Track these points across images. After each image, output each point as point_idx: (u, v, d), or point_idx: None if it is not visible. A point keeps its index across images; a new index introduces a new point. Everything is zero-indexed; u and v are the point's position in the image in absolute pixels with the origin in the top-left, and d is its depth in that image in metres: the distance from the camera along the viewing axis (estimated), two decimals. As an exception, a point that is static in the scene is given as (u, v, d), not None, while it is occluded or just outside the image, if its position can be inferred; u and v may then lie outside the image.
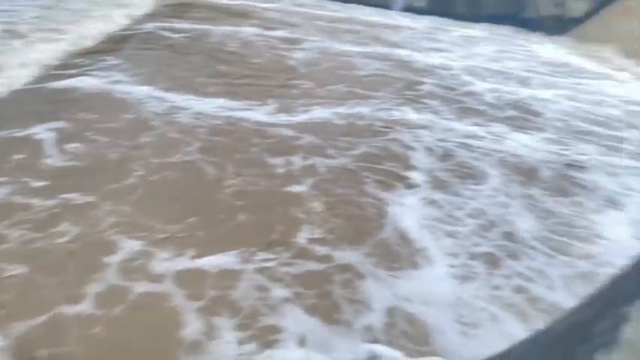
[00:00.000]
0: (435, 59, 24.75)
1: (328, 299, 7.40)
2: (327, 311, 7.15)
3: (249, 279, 7.58)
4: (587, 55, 32.78)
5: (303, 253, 8.31)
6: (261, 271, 7.80)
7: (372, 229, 9.26)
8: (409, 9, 42.55)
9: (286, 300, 7.24)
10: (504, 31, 38.91)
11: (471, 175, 12.25)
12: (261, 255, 8.10)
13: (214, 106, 14.99)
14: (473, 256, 8.79)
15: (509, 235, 9.60)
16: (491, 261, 8.77)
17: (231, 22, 27.26)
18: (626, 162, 14.72)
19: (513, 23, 41.17)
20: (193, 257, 7.97)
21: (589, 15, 40.77)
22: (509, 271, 8.49)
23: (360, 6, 40.83)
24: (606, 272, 8.54)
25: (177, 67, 18.66)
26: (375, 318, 7.12)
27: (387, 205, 10.10)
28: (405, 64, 22.94)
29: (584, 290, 7.98)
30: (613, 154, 15.08)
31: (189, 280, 7.48)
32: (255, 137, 12.71)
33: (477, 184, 11.74)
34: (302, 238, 8.70)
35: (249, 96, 16.17)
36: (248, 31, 25.79)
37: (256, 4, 34.67)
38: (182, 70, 18.58)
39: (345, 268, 8.08)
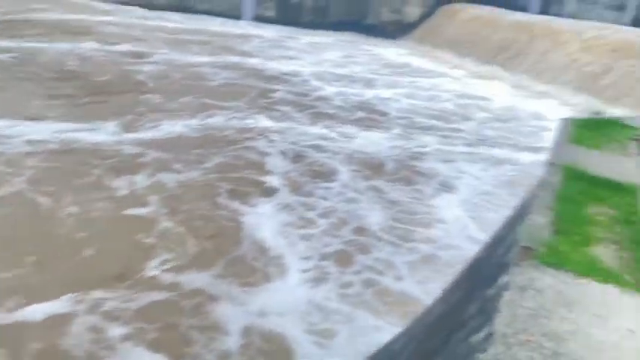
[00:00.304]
0: (286, 67, 25.23)
1: (175, 331, 6.77)
2: (173, 345, 6.54)
3: (82, 322, 6.74)
4: (424, 55, 35.85)
5: (148, 284, 7.61)
6: (96, 311, 6.98)
7: (227, 245, 8.88)
8: (258, 19, 43.16)
9: (126, 338, 6.51)
10: (349, 37, 41.12)
11: (322, 174, 12.64)
12: (98, 293, 7.26)
13: (51, 130, 13.67)
14: (325, 257, 8.86)
15: (358, 230, 9.85)
16: (343, 258, 8.89)
17: (68, 39, 25.30)
18: (461, 149, 16.31)
19: (357, 30, 43.81)
20: (15, 308, 6.87)
21: (423, 19, 44.73)
22: (359, 266, 8.67)
23: (208, 17, 40.59)
24: (448, 254, 9.28)
25: (5, 92, 16.84)
26: (230, 342, 6.67)
27: (243, 216, 9.83)
28: (256, 73, 23.09)
29: (429, 275, 8.54)
30: (450, 144, 16.64)
31: (7, 337, 6.41)
32: (95, 159, 11.76)
33: (328, 182, 12.12)
34: (149, 266, 8.01)
35: (91, 116, 15.03)
36: (87, 46, 24.13)
37: (93, 18, 32.65)
38: (12, 93, 16.81)
39: (195, 293, 7.51)
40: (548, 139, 17.70)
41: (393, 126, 17.69)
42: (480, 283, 4.11)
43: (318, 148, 14.67)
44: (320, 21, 43.93)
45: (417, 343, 4.54)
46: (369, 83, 24.18)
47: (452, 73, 30.05)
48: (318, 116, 17.83)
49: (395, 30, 44.66)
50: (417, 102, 21.55)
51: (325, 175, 12.79)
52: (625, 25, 38.60)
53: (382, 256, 9.08)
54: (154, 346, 6.52)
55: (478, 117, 20.51)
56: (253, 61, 25.55)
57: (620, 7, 41.87)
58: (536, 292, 2.61)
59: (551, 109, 22.81)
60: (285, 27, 41.13)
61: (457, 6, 44.06)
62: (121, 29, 29.99)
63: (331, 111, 18.67)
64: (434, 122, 18.89)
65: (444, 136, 17.36)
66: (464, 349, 2.72)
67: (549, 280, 2.75)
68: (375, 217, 10.55)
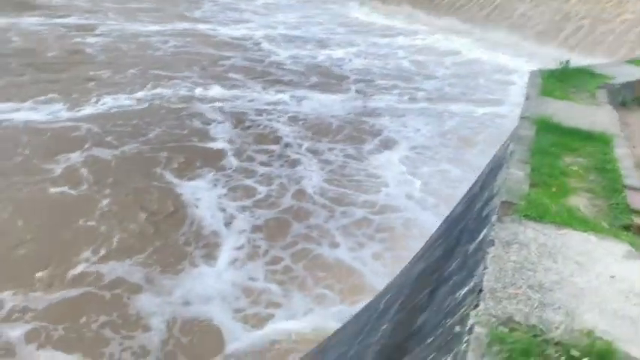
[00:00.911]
0: (239, 31, 24.56)
1: (89, 330, 6.15)
2: (86, 345, 5.96)
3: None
4: (386, 13, 35.23)
5: (66, 276, 6.97)
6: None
7: (159, 228, 8.38)
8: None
9: (29, 340, 5.91)
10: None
11: (267, 139, 12.49)
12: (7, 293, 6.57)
13: (-13, 111, 13.31)
14: (258, 229, 8.59)
15: (295, 195, 9.78)
16: (277, 230, 8.63)
17: (9, 14, 24.30)
18: (415, 106, 16.30)
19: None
20: None
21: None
22: (292, 236, 8.43)
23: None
24: (385, 217, 9.27)
25: None
26: (152, 337, 6.16)
27: (179, 191, 9.56)
28: (207, 39, 22.42)
29: (363, 240, 8.47)
30: (404, 102, 16.59)
31: None
32: (27, 139, 11.44)
33: (271, 146, 12.08)
34: (71, 257, 7.38)
35: (30, 95, 14.61)
36: (32, 21, 23.26)
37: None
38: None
39: (116, 284, 6.95)
40: (511, 92, 17.80)
41: (347, 87, 17.56)
42: (460, 239, 4.16)
43: (266, 113, 14.55)
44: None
45: (404, 298, 4.54)
46: (325, 44, 23.82)
47: (413, 29, 29.74)
48: (270, 82, 17.59)
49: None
50: (375, 61, 21.36)
51: (269, 139, 12.73)
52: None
53: (317, 222, 8.92)
54: (63, 347, 5.97)
55: (438, 73, 20.45)
56: (204, 27, 24.88)
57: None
58: (520, 246, 2.70)
59: (515, 61, 22.76)
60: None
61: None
62: (66, 1, 28.88)
63: (284, 76, 18.43)
64: (390, 81, 18.79)
65: (400, 94, 17.30)
66: (451, 304, 2.77)
67: (532, 233, 2.85)
68: (313, 180, 10.54)
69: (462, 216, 5.19)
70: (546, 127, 4.60)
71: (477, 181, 7.27)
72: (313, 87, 17.31)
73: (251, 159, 11.47)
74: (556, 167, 3.87)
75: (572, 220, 3.11)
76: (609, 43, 23.19)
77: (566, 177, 3.78)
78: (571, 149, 4.27)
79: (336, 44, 23.97)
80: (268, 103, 15.40)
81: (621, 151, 4.32)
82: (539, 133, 4.44)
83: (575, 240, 2.88)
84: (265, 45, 22.39)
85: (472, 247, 3.42)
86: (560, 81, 6.26)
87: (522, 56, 23.34)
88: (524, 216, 3.05)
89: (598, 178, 3.84)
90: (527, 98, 5.59)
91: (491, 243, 2.74)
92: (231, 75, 17.91)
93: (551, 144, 4.25)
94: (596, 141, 4.48)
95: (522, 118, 4.88)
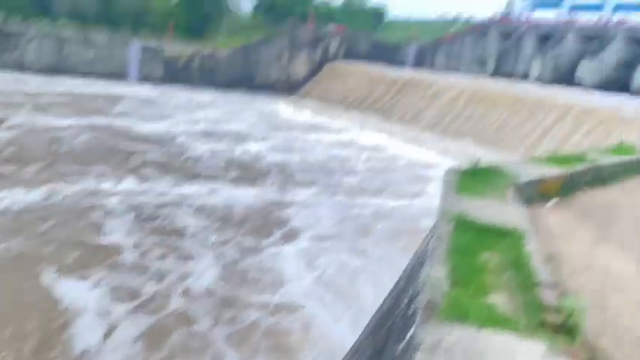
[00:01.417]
0: (158, 127, 24.44)
1: None
2: None
3: None
4: (309, 110, 36.73)
5: None
6: None
7: (28, 349, 7.10)
8: (145, 79, 42.17)
9: None
10: (237, 95, 41.38)
11: (170, 232, 12.03)
12: None
13: None
14: (138, 340, 7.68)
15: (184, 296, 9.08)
16: (157, 340, 7.75)
17: None
18: (321, 199, 16.27)
19: (247, 89, 44.26)
20: None
21: (308, 77, 46.28)
22: (171, 349, 7.57)
23: (90, 79, 38.89)
24: (280, 319, 8.57)
25: None
26: None
27: (62, 300, 8.41)
28: (125, 134, 22.00)
29: (253, 351, 7.70)
30: (315, 195, 16.59)
31: None
32: None
33: (173, 241, 11.53)
34: None
35: None
36: None
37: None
38: None
39: None
40: (425, 185, 18.47)
41: (264, 181, 17.48)
42: (389, 338, 4.20)
43: (175, 206, 14.02)
44: (209, 81, 43.84)
45: None
46: (246, 139, 24.06)
47: (336, 125, 30.94)
48: (184, 176, 17.32)
49: (283, 88, 45.74)
50: (296, 156, 21.63)
51: (171, 233, 12.14)
52: (487, 75, 42.58)
53: (201, 329, 8.24)
54: None
55: (357, 167, 20.93)
56: (123, 123, 24.53)
57: (482, 62, 46.19)
58: (445, 352, 2.71)
59: (431, 156, 23.90)
60: (171, 86, 40.40)
61: (341, 63, 46.26)
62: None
63: (200, 169, 18.21)
64: (309, 175, 18.94)
65: (316, 188, 17.39)
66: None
67: (455, 336, 2.87)
68: (205, 277, 9.89)
69: (390, 313, 5.19)
70: (463, 224, 4.79)
71: (401, 277, 7.16)
72: (229, 180, 17.13)
73: (147, 254, 10.75)
74: (474, 265, 3.99)
75: (493, 320, 3.19)
76: (514, 142, 25.08)
77: (484, 274, 3.89)
78: (487, 246, 4.42)
79: (257, 139, 24.24)
80: (179, 197, 14.96)
81: (532, 247, 4.51)
82: (457, 231, 4.61)
83: (497, 341, 2.95)
84: (184, 140, 22.25)
85: (400, 347, 3.44)
86: (473, 179, 6.69)
87: (439, 152, 24.57)
88: (447, 317, 3.11)
89: (513, 274, 3.95)
90: (444, 196, 5.93)
91: (417, 348, 2.75)
92: (145, 169, 17.38)
93: (468, 241, 4.41)
94: (509, 237, 4.67)
95: (440, 215, 5.07)
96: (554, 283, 3.94)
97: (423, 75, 38.75)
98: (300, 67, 46.63)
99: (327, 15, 55.80)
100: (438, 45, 49.89)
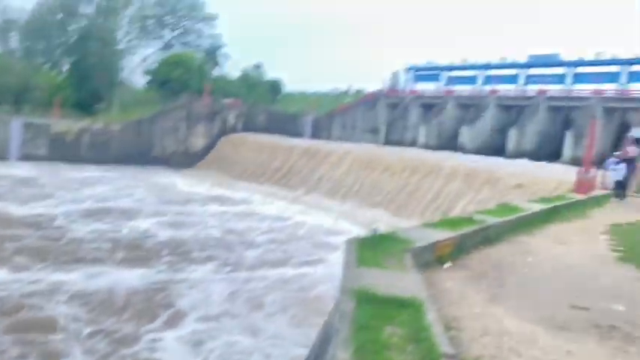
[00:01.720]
0: (36, 209, 22.56)
1: None
2: None
3: None
4: (207, 182, 36.13)
5: None
6: None
7: None
8: (28, 158, 39.36)
9: None
10: (131, 170, 39.74)
11: (35, 326, 10.84)
12: None
13: None
14: None
15: None
16: None
17: None
18: (217, 275, 15.65)
19: (143, 163, 42.77)
20: None
21: (206, 149, 45.93)
22: None
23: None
24: None
25: None
26: None
27: None
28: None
29: None
30: (211, 272, 15.90)
31: None
32: None
33: (35, 336, 10.37)
34: None
35: None
36: None
37: None
38: None
39: None
40: (328, 253, 18.46)
41: (154, 260, 16.49)
42: None
43: (48, 295, 12.71)
44: (101, 157, 41.89)
45: None
46: (136, 216, 22.92)
47: (233, 196, 30.56)
48: (63, 261, 15.87)
49: (181, 161, 44.87)
50: (190, 231, 20.83)
51: (37, 327, 10.99)
52: (379, 144, 45.06)
53: None
54: None
55: (258, 239, 20.49)
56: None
57: (375, 131, 48.98)
58: None
59: (330, 223, 24.15)
60: (58, 164, 37.97)
61: (238, 135, 46.61)
62: None
63: (81, 253, 16.88)
64: (205, 251, 18.21)
65: (213, 264, 16.72)
66: None
67: None
68: None
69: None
70: (365, 298, 4.77)
71: (309, 355, 6.89)
72: (113, 263, 16.01)
73: (3, 354, 9.45)
74: (378, 342, 3.94)
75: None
76: (411, 205, 26.26)
77: (388, 350, 3.86)
78: (389, 319, 4.42)
79: (149, 215, 23.11)
80: (53, 284, 13.59)
81: (432, 317, 4.55)
82: (359, 306, 4.57)
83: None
84: (66, 221, 20.60)
85: None
86: (372, 248, 6.79)
87: (340, 218, 24.96)
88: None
89: (416, 348, 3.95)
90: (345, 269, 6.02)
91: None
92: (18, 257, 15.67)
93: (370, 316, 4.38)
94: (409, 308, 4.70)
95: (342, 291, 5.04)
96: (455, 354, 3.98)
97: (320, 144, 40.05)
98: (197, 139, 46.27)
99: (224, 88, 56.64)
100: (332, 116, 52.25)
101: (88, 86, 51.90)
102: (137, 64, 60.15)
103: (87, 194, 27.05)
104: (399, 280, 5.46)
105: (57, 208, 22.83)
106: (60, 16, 55.65)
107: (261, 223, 23.39)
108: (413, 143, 44.36)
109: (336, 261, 17.07)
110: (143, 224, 21.27)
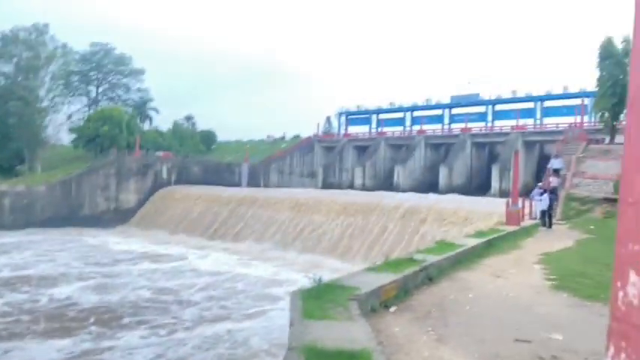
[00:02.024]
0: None
1: None
2: None
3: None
4: (138, 238, 34.79)
5: None
6: None
7: None
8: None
9: None
10: (59, 232, 37.62)
11: None
12: None
13: None
14: None
15: None
16: None
17: None
18: (150, 340, 14.79)
19: (72, 223, 40.59)
20: None
21: (139, 205, 44.42)
22: None
23: None
24: None
25: None
26: None
27: None
28: None
29: None
30: (143, 337, 15.03)
31: None
32: None
33: None
34: None
35: None
36: None
37: None
38: None
39: None
40: (270, 305, 17.97)
41: (76, 331, 15.37)
42: None
43: None
44: (25, 220, 39.43)
45: None
46: (59, 281, 21.56)
47: (168, 252, 29.53)
48: None
49: (113, 218, 43.08)
50: (120, 293, 19.73)
51: None
52: (318, 187, 45.48)
53: None
54: None
55: (193, 295, 19.70)
56: None
57: (312, 175, 49.52)
58: None
59: (272, 272, 23.70)
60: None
61: (171, 188, 45.56)
62: None
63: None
64: (137, 315, 17.19)
65: (145, 328, 15.75)
66: None
67: None
68: None
69: None
70: (313, 355, 4.66)
71: None
72: (31, 336, 14.69)
73: None
74: None
75: None
76: (353, 248, 26.40)
77: None
78: None
79: (72, 280, 21.90)
80: None
81: None
82: None
83: None
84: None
85: None
86: (317, 299, 6.70)
87: (282, 267, 24.60)
88: None
89: None
90: (291, 324, 5.87)
91: None
92: None
93: None
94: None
95: (290, 349, 4.91)
96: None
97: (257, 192, 39.81)
98: (129, 195, 44.77)
99: (155, 142, 55.54)
100: (269, 162, 52.40)
101: (9, 147, 49.25)
102: (62, 122, 58.08)
103: (2, 262, 25.15)
104: (346, 331, 5.37)
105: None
106: (-25, 76, 53.18)
107: (197, 279, 22.60)
108: (350, 185, 45.14)
109: (275, 314, 16.70)
110: (65, 291, 19.98)
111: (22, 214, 39.95)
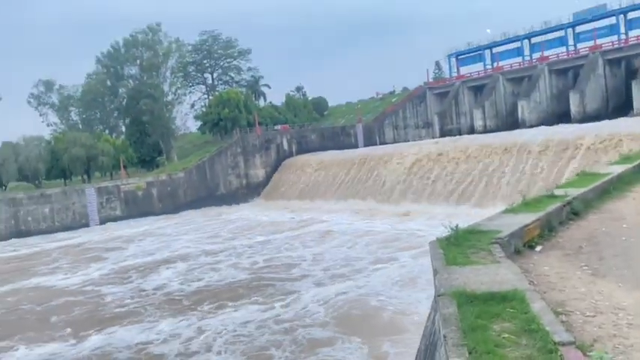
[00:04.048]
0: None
1: None
2: None
3: None
4: (272, 207, 36.96)
5: None
6: None
7: None
8: (105, 220, 41.69)
9: None
10: (200, 212, 41.58)
11: None
12: None
13: None
14: None
15: None
16: None
17: None
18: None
19: (211, 202, 44.34)
20: None
21: (268, 178, 46.96)
22: None
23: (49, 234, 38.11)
24: None
25: None
26: None
27: None
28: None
29: None
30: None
31: None
32: None
33: None
34: None
35: None
36: None
37: None
38: None
39: None
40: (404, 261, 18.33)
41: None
42: None
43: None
44: (171, 205, 43.76)
45: None
46: (222, 255, 23.61)
47: (300, 217, 31.05)
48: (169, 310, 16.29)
49: (246, 193, 46.11)
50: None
51: None
52: (435, 137, 44.24)
53: None
54: None
55: (349, 253, 20.74)
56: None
57: (428, 125, 48.24)
58: None
59: (423, 225, 23.85)
60: (136, 220, 40.21)
61: (293, 159, 47.34)
62: None
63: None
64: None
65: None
66: None
67: None
68: None
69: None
70: (464, 299, 4.64)
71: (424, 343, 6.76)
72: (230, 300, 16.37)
73: None
74: (489, 341, 3.82)
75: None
76: (492, 193, 25.53)
77: (502, 348, 3.73)
78: (494, 316, 4.29)
79: (235, 254, 23.75)
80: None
81: (538, 306, 4.38)
82: (461, 309, 4.45)
83: None
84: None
85: None
86: (457, 246, 6.67)
87: (428, 219, 24.59)
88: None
89: (530, 340, 3.81)
90: (436, 272, 5.86)
91: None
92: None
93: (475, 316, 4.26)
94: (511, 301, 4.52)
95: (439, 295, 4.89)
96: (572, 341, 3.78)
97: (376, 150, 39.82)
98: (257, 170, 47.36)
99: (272, 116, 57.74)
100: (382, 119, 51.97)
101: (147, 142, 54.56)
102: (187, 112, 62.68)
103: (174, 244, 28.49)
104: (493, 274, 5.28)
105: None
106: (108, 82, 59.09)
107: (345, 236, 23.62)
108: (470, 129, 43.26)
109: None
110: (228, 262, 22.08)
111: (169, 200, 44.29)
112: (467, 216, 18.96)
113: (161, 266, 22.62)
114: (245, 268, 20.67)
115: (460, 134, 41.18)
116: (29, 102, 60.78)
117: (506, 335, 3.90)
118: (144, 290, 19.02)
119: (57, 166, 47.43)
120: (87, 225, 40.89)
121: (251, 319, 14.30)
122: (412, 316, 13.00)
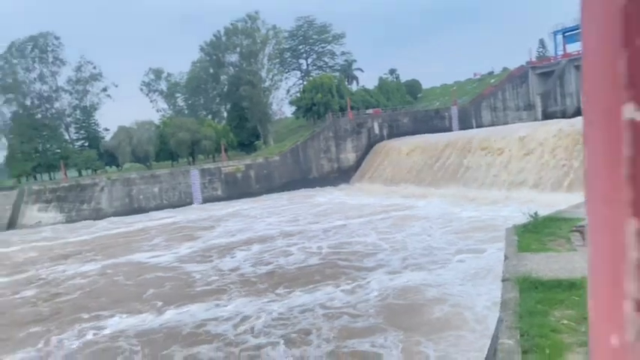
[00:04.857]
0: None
1: None
2: None
3: None
4: (361, 191, 37.19)
5: None
6: None
7: None
8: (208, 200, 44.53)
9: None
10: (297, 193, 42.80)
11: None
12: None
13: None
14: None
15: None
16: None
17: None
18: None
19: (303, 185, 45.68)
20: None
21: (359, 162, 47.23)
22: None
23: (159, 211, 41.48)
24: None
25: None
26: None
27: None
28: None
29: None
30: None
31: None
32: None
33: None
34: None
35: None
36: None
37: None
38: None
39: None
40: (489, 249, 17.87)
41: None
42: None
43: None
44: (267, 187, 45.67)
45: None
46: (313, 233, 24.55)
47: (389, 202, 30.97)
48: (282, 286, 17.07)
49: (337, 177, 46.83)
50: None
51: None
52: (537, 119, 41.76)
53: None
54: None
55: (412, 246, 20.59)
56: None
57: (529, 107, 45.59)
58: None
59: (489, 215, 23.17)
60: (236, 201, 42.48)
61: (384, 143, 47.13)
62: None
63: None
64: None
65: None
66: None
67: None
68: None
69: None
70: (528, 285, 4.64)
71: (490, 345, 6.79)
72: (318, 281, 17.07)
73: None
74: (545, 326, 3.82)
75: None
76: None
77: (558, 334, 3.74)
78: (557, 302, 4.28)
79: (323, 232, 24.51)
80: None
81: None
82: (523, 294, 4.46)
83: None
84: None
85: None
86: (534, 233, 6.53)
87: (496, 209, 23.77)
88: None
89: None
90: (506, 258, 5.79)
91: None
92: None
93: (536, 302, 4.27)
94: (578, 289, 4.44)
95: (503, 281, 4.96)
96: None
97: (472, 134, 38.48)
98: (348, 154, 47.84)
99: (364, 100, 57.77)
100: (479, 101, 50.02)
101: (246, 127, 57.17)
102: (283, 97, 64.68)
103: (268, 222, 30.15)
104: (566, 262, 5.21)
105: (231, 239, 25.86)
106: (211, 70, 62.41)
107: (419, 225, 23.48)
108: (576, 111, 40.42)
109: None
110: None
111: (265, 182, 46.22)
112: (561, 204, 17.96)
113: (254, 243, 23.97)
114: (325, 251, 21.28)
115: (564, 116, 38.57)
116: (141, 89, 65.94)
117: (566, 322, 3.90)
118: (221, 270, 20.17)
119: (165, 148, 51.34)
120: (191, 203, 43.95)
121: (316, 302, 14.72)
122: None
